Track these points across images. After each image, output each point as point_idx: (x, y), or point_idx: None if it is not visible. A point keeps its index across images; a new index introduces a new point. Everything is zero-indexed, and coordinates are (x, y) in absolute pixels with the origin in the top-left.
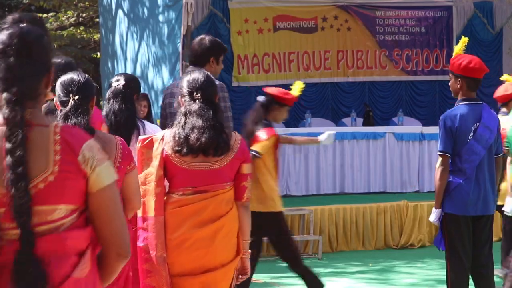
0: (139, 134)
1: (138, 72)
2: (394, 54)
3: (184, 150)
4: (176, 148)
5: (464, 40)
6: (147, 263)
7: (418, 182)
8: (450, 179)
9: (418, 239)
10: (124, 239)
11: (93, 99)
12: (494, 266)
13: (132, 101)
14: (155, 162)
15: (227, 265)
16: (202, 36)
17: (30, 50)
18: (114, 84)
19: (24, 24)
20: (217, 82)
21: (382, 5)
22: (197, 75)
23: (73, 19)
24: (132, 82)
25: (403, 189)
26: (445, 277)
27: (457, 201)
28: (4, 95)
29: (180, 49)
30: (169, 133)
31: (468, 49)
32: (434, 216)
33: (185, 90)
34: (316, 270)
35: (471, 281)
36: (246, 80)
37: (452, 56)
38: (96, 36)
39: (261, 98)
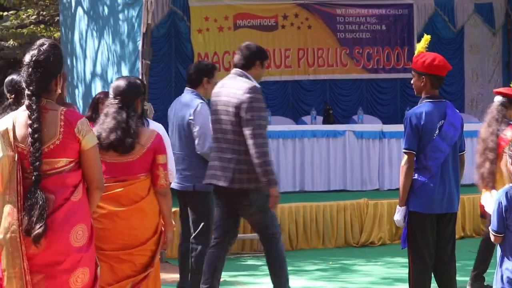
0: None
1: (98, 70)
2: (355, 52)
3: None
4: None
5: (427, 38)
6: None
7: (378, 180)
8: (415, 177)
9: (378, 237)
10: (100, 178)
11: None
12: (457, 264)
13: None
14: None
15: (145, 243)
16: (248, 42)
17: (41, 65)
18: (96, 96)
19: (43, 47)
20: (254, 84)
21: (343, 3)
22: (120, 82)
23: (34, 17)
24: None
25: (363, 187)
26: (405, 275)
27: (422, 199)
28: (26, 91)
29: (140, 47)
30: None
31: (430, 47)
32: (399, 215)
33: (110, 95)
34: None
35: (433, 279)
36: None
37: (413, 54)
38: (57, 34)
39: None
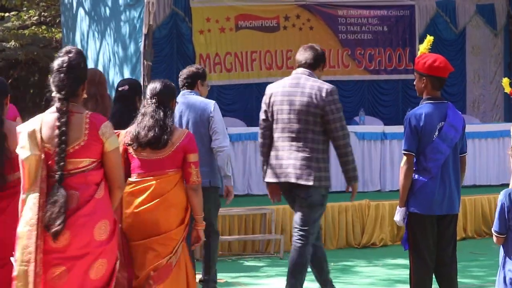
0: None
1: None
2: (356, 53)
3: (134, 144)
4: (128, 142)
5: (430, 39)
6: None
7: (380, 181)
8: (415, 178)
9: (380, 238)
10: (121, 178)
11: (7, 97)
12: (458, 265)
13: (135, 102)
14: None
15: (169, 233)
16: (312, 44)
17: (72, 71)
18: (120, 88)
19: (71, 54)
20: (329, 86)
21: (344, 4)
22: (156, 83)
23: (35, 18)
24: (135, 86)
25: (364, 188)
26: (407, 276)
27: (422, 200)
28: (58, 95)
29: (141, 48)
30: (130, 129)
31: (432, 48)
32: (398, 215)
33: (147, 95)
34: (278, 269)
35: (434, 280)
36: (208, 79)
37: (415, 55)
38: (58, 35)
39: None
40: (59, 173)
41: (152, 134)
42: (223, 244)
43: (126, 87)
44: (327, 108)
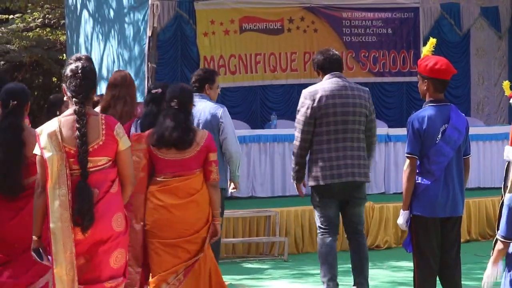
0: None
1: (104, 72)
2: (361, 56)
3: (159, 144)
4: (153, 143)
5: (433, 41)
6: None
7: (384, 183)
8: (419, 181)
9: (384, 241)
10: (132, 175)
11: (27, 105)
12: (462, 268)
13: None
14: (141, 153)
15: (199, 232)
16: (330, 48)
17: (87, 76)
18: (153, 91)
19: (82, 61)
20: (363, 87)
21: (349, 6)
22: (176, 87)
23: (40, 20)
24: (166, 89)
25: (368, 190)
26: (411, 279)
27: (425, 203)
28: (75, 99)
29: (146, 50)
30: (152, 131)
31: (436, 51)
32: (402, 218)
33: (167, 98)
34: (282, 271)
35: (438, 283)
36: None
37: (419, 57)
38: (62, 38)
39: None
40: (82, 170)
41: (176, 135)
42: (227, 246)
43: (159, 90)
44: (370, 108)
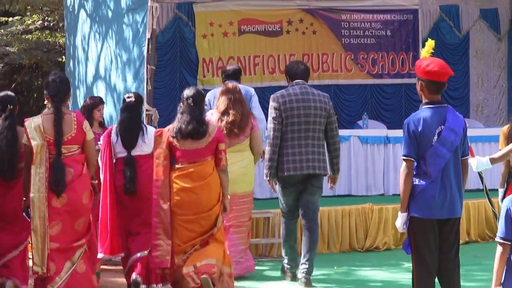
0: (143, 135)
1: (102, 74)
2: (359, 58)
3: (178, 136)
4: (172, 135)
5: (431, 43)
6: (156, 217)
7: (383, 185)
8: (416, 183)
9: (383, 242)
10: (94, 159)
11: (17, 107)
12: (461, 269)
13: (139, 112)
14: (163, 145)
15: (212, 209)
16: (300, 61)
17: (63, 82)
18: (127, 100)
19: (59, 73)
20: (323, 93)
21: (348, 8)
22: (191, 89)
23: (39, 23)
24: (140, 98)
25: (368, 192)
26: (409, 280)
27: (422, 205)
28: (53, 100)
29: (145, 52)
30: (171, 126)
31: (435, 52)
32: (400, 220)
33: (183, 98)
34: (280, 273)
35: (437, 284)
36: (211, 83)
37: (418, 59)
38: (62, 40)
39: None
40: (57, 151)
41: (191, 126)
42: None
43: (133, 98)
44: (331, 111)
